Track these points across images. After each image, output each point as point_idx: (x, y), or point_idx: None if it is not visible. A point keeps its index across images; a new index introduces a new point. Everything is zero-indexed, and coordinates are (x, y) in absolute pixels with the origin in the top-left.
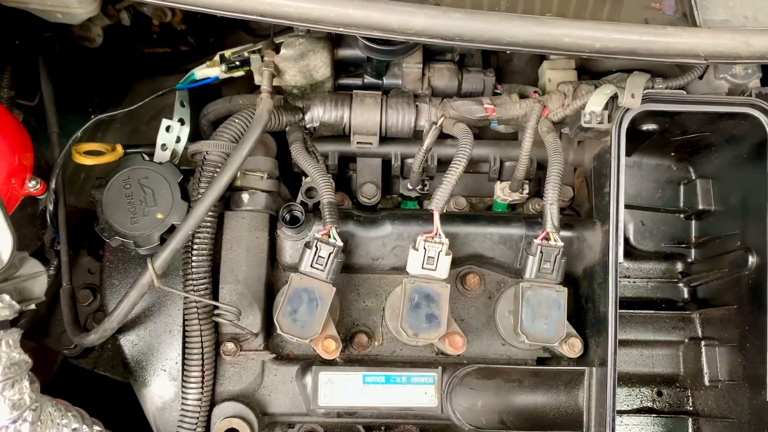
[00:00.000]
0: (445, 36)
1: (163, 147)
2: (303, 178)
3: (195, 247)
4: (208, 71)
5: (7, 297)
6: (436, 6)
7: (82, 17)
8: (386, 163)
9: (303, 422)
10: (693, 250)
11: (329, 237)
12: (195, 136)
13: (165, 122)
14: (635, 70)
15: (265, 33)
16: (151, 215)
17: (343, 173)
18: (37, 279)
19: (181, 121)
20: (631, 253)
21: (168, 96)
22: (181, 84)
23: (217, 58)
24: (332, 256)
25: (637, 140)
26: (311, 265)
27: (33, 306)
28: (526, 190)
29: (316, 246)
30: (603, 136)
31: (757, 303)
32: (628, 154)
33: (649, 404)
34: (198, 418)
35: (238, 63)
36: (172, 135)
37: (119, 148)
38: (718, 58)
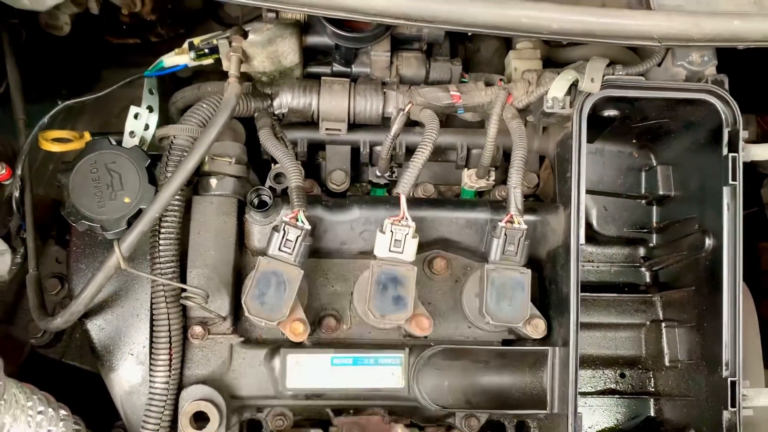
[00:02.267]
0: (407, 16)
1: (131, 134)
2: (272, 164)
3: (162, 230)
4: (177, 59)
5: None
6: None
7: (49, 4)
8: (355, 151)
9: (272, 405)
10: (654, 235)
11: (297, 220)
12: (164, 124)
13: (133, 109)
14: (597, 57)
15: (235, 22)
16: (118, 199)
17: (312, 161)
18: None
19: (150, 109)
20: (594, 238)
21: (138, 88)
22: (149, 71)
23: (186, 45)
24: (300, 239)
25: (599, 127)
26: (279, 249)
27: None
28: (492, 177)
29: (284, 229)
30: (565, 122)
31: (713, 283)
32: (590, 141)
33: (613, 386)
34: (165, 401)
35: (207, 51)
36: (141, 122)
37: (87, 135)
38: (671, 40)
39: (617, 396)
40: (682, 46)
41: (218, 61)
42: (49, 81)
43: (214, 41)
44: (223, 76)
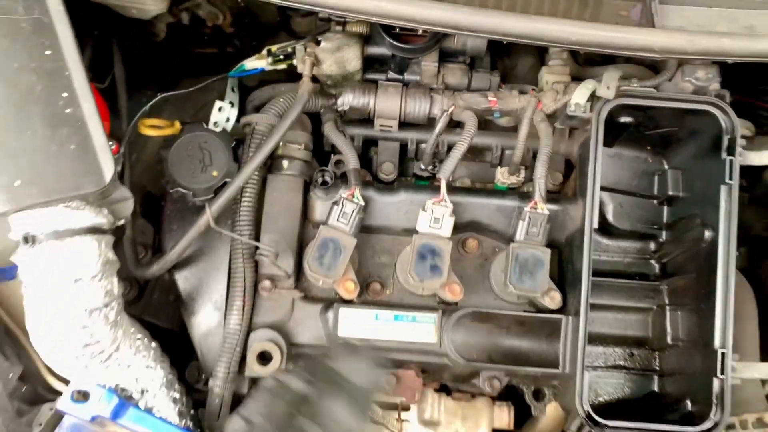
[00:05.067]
0: (456, 26)
1: (215, 125)
2: (332, 154)
3: (243, 199)
4: (256, 63)
5: (105, 209)
6: (449, 3)
7: (152, 13)
8: (403, 147)
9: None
10: (664, 231)
11: (353, 197)
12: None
13: (218, 103)
14: (613, 68)
15: (303, 34)
16: (208, 172)
17: (366, 155)
18: (125, 202)
19: (231, 104)
20: (610, 231)
21: (209, 93)
22: (233, 72)
23: (264, 51)
24: (355, 212)
25: (616, 131)
26: (337, 220)
27: (122, 222)
28: (522, 174)
29: (342, 204)
30: (586, 125)
31: (710, 270)
32: (609, 145)
33: (622, 362)
34: (237, 340)
35: (282, 56)
36: (223, 114)
37: (177, 124)
38: (668, 52)
39: (625, 371)
40: (689, 64)
41: (285, 70)
42: (143, 77)
43: (289, 49)
44: (289, 79)
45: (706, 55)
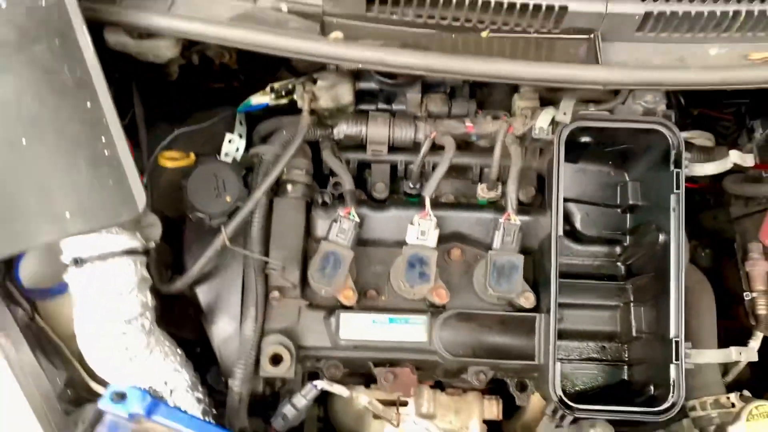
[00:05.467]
0: (430, 69)
1: (226, 155)
2: (330, 177)
3: (254, 220)
4: (261, 98)
5: (138, 234)
6: (424, 51)
7: (167, 58)
8: (393, 168)
9: (328, 357)
10: (627, 237)
11: (350, 215)
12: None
13: (228, 136)
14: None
15: (303, 71)
16: (222, 198)
17: (361, 176)
18: (154, 227)
19: (240, 136)
20: (579, 238)
21: (218, 125)
22: (240, 107)
23: (267, 88)
24: (352, 229)
25: (579, 149)
26: (336, 235)
27: (153, 245)
28: (500, 189)
29: (340, 221)
30: (550, 145)
31: (664, 268)
32: (575, 161)
33: (595, 355)
34: (252, 345)
35: (283, 92)
36: (233, 146)
37: (192, 156)
38: (611, 84)
39: (598, 363)
40: (633, 89)
41: (288, 103)
42: (157, 112)
43: (290, 85)
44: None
45: (643, 85)
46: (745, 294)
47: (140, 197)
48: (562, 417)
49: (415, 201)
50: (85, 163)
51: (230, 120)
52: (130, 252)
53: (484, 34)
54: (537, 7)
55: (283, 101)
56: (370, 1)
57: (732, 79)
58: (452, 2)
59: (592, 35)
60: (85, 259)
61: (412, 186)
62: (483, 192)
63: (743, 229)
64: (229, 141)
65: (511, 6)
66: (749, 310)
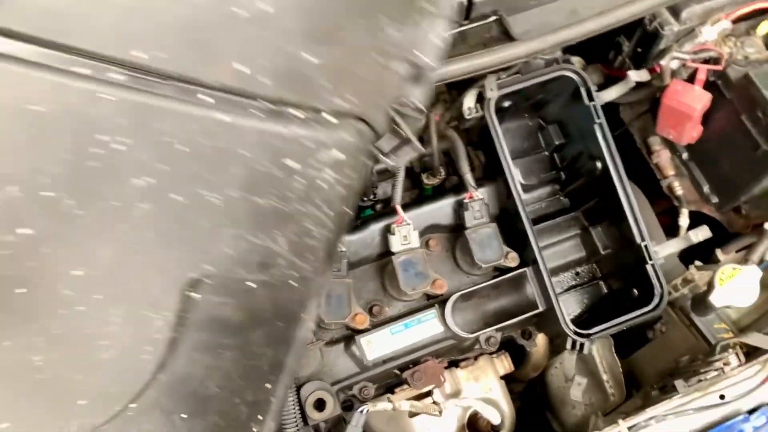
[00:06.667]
0: None
1: None
2: None
3: None
4: None
5: None
6: None
7: None
8: None
9: (357, 381)
10: (562, 173)
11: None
12: None
13: None
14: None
15: None
16: None
17: None
18: None
19: None
20: (524, 188)
21: None
22: None
23: None
24: (342, 259)
25: (499, 114)
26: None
27: None
28: (442, 174)
29: None
30: (480, 121)
31: (610, 190)
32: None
33: (573, 283)
34: (293, 399)
35: None
36: None
37: None
38: (532, 55)
39: (578, 287)
40: None
41: None
42: None
43: None
44: None
45: (557, 46)
46: (661, 182)
47: None
48: (581, 346)
49: (370, 212)
50: None
51: None
52: None
53: None
54: None
55: None
56: None
57: (625, 15)
58: None
59: (499, 16)
60: None
61: (363, 200)
62: (428, 180)
63: (637, 129)
64: None
65: None
66: (669, 194)
